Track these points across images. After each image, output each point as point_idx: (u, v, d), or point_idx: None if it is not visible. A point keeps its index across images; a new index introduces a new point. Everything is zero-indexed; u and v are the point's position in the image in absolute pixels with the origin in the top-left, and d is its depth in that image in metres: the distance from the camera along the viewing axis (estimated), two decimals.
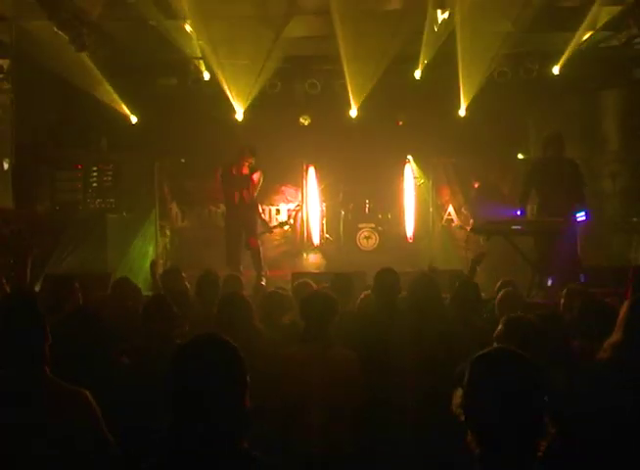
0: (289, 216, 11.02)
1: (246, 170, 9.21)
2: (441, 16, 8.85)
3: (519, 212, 7.86)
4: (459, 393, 2.08)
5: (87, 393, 2.88)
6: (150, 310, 4.36)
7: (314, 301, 4.27)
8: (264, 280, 9.06)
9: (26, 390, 2.80)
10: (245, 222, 9.26)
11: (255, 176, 9.23)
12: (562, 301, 5.16)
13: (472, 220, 9.99)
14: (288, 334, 4.74)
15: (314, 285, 5.92)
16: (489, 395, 1.99)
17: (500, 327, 3.60)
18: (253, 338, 4.35)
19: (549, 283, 7.26)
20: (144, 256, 10.89)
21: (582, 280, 7.04)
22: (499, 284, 5.90)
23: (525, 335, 3.41)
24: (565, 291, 5.24)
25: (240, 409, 2.11)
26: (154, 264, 7.93)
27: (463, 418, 2.05)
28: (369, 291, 5.58)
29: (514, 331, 3.49)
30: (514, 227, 7.67)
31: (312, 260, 11.05)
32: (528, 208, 8.52)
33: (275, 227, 10.64)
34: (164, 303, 4.41)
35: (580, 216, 7.79)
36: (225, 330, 4.29)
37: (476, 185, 10.72)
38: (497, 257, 9.37)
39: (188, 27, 9.40)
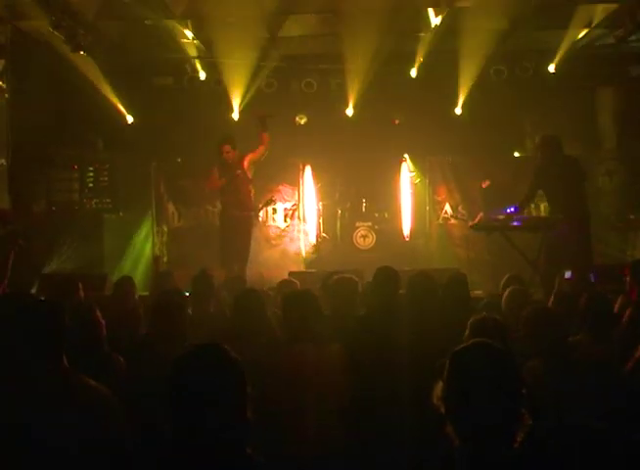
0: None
1: (230, 160, 9.00)
2: (436, 18, 8.87)
3: (512, 209, 7.85)
4: (440, 385, 2.12)
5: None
6: (162, 312, 4.35)
7: (293, 300, 4.28)
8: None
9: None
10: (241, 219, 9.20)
11: (245, 162, 9.10)
12: (551, 299, 5.18)
13: (481, 215, 9.94)
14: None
15: (297, 283, 5.97)
16: (468, 387, 2.06)
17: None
18: (266, 333, 4.40)
19: (567, 276, 7.23)
20: (141, 256, 10.89)
21: (593, 279, 7.01)
22: (505, 280, 5.88)
23: None
24: (554, 291, 5.28)
25: (241, 421, 2.09)
26: (157, 260, 7.99)
27: (443, 410, 2.11)
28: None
29: None
30: (513, 224, 7.70)
31: (309, 260, 11.04)
32: (531, 206, 8.57)
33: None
34: (178, 305, 4.42)
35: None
36: (241, 329, 4.38)
37: (484, 185, 10.64)
38: (497, 255, 9.40)
39: (184, 27, 9.40)
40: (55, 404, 2.70)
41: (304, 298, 4.26)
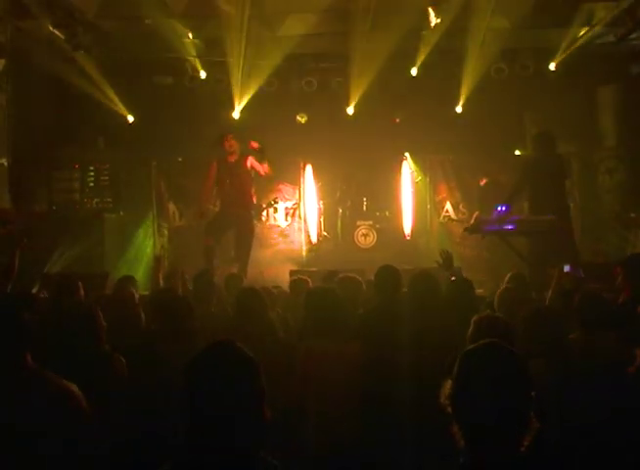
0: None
1: (233, 158, 9.10)
2: (435, 19, 8.85)
3: (503, 208, 7.72)
4: (448, 384, 2.10)
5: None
6: (166, 311, 4.33)
7: (319, 296, 4.30)
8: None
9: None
10: (237, 216, 9.23)
11: (248, 162, 9.17)
12: (549, 295, 5.16)
13: (477, 213, 9.89)
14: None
15: (309, 281, 5.96)
16: (477, 388, 2.03)
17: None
18: (268, 332, 4.41)
19: (566, 269, 7.21)
20: (142, 255, 10.89)
21: (580, 275, 7.02)
22: (507, 278, 5.87)
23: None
24: (552, 287, 5.27)
25: (258, 421, 2.06)
26: (158, 260, 8.00)
27: (450, 410, 2.08)
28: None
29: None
30: (507, 227, 7.57)
31: (310, 258, 11.04)
32: (524, 204, 8.56)
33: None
34: (184, 304, 4.41)
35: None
36: (243, 323, 4.39)
37: (481, 183, 10.64)
38: (499, 253, 9.38)
39: (184, 26, 9.40)
40: (19, 400, 2.73)
41: (330, 295, 4.27)
